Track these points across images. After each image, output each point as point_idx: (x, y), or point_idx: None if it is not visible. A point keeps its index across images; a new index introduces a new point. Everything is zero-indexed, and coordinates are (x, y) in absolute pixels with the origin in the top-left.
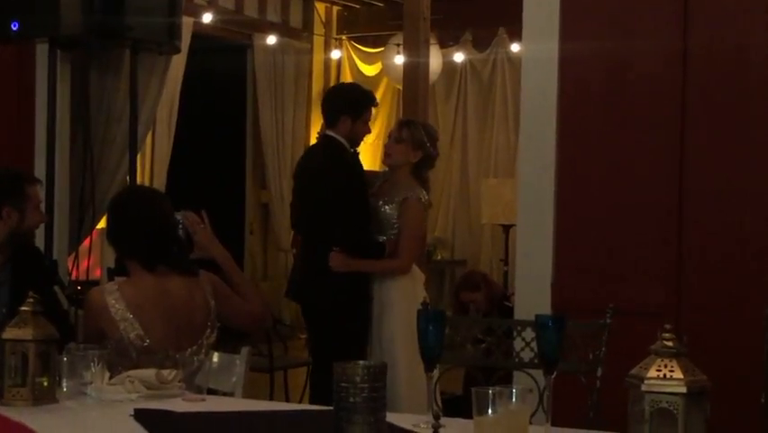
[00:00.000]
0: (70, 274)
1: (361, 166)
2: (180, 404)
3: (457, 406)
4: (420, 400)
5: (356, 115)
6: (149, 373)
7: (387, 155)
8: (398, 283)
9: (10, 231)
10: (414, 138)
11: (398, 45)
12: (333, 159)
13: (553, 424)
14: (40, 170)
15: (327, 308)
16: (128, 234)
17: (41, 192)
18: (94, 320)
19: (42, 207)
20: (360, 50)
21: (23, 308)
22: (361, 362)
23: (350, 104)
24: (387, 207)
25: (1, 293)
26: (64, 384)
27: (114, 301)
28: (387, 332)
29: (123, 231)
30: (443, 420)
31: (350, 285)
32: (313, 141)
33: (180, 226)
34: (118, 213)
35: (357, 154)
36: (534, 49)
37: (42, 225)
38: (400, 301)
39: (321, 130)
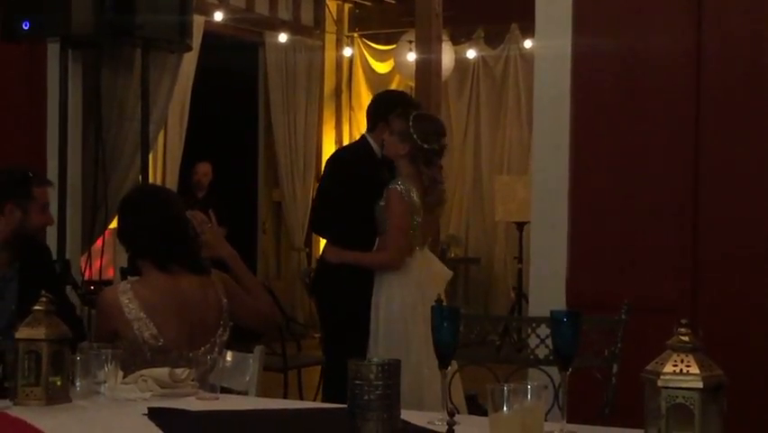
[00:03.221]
0: (83, 274)
1: (380, 173)
2: (194, 403)
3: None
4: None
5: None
6: (162, 371)
7: (384, 146)
8: (386, 288)
9: (13, 230)
10: (401, 130)
11: (410, 42)
12: (353, 160)
13: (569, 420)
14: (52, 169)
15: (334, 304)
16: (140, 233)
17: (52, 194)
18: (107, 320)
19: (52, 209)
20: (372, 47)
21: (36, 308)
22: (375, 359)
23: (389, 111)
24: (380, 202)
25: (9, 290)
26: (77, 384)
27: (127, 301)
28: (372, 331)
29: (134, 231)
30: (458, 418)
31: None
32: (325, 138)
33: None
34: (130, 213)
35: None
36: (546, 45)
37: (55, 225)
38: (385, 303)
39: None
